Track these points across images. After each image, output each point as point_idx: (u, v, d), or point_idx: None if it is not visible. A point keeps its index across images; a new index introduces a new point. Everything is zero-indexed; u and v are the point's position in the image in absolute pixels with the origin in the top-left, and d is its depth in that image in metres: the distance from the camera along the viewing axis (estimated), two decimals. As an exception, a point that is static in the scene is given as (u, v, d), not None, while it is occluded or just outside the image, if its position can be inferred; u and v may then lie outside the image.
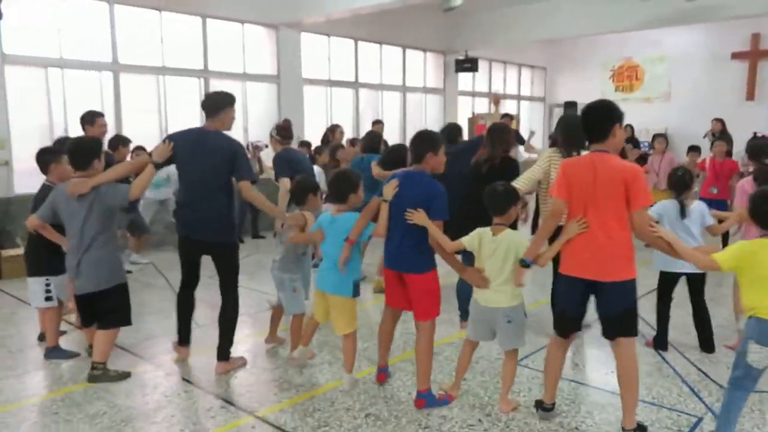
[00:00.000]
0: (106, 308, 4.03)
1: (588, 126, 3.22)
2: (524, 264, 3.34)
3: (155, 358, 4.45)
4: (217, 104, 4.06)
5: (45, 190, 4.32)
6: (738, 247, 2.99)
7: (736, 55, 13.65)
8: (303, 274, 4.41)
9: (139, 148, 7.05)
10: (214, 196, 3.98)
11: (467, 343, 3.70)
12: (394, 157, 5.48)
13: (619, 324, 3.19)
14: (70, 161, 4.03)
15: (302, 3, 9.71)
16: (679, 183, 4.46)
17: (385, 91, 12.44)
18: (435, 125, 13.07)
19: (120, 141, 6.76)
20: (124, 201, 3.95)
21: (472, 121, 14.00)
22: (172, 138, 4.06)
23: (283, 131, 5.79)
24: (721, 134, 10.46)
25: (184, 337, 4.39)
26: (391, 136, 11.70)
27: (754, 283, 2.92)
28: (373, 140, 6.62)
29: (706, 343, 4.51)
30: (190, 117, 9.01)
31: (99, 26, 8.18)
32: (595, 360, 4.34)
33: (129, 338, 4.82)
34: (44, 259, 4.34)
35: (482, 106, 14.92)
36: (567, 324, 3.35)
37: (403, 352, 4.51)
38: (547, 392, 3.48)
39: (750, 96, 13.54)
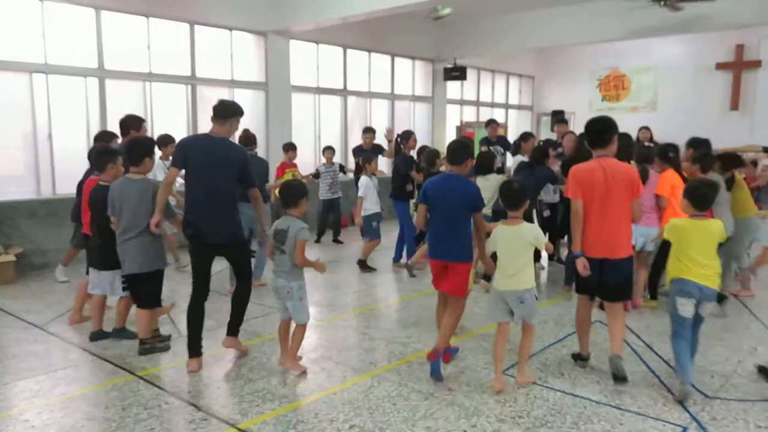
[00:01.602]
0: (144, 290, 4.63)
1: (593, 136, 4.08)
2: (577, 256, 4.04)
3: (135, 370, 4.37)
4: (229, 111, 4.34)
5: (103, 190, 4.68)
6: (673, 224, 4.04)
7: (720, 66, 13.80)
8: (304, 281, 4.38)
9: None
10: (224, 201, 4.26)
11: (500, 329, 4.07)
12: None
13: (620, 291, 4.09)
14: (124, 158, 4.64)
15: (291, 10, 9.70)
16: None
17: (373, 98, 12.44)
18: (423, 133, 13.08)
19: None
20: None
21: (460, 129, 14.04)
22: (184, 144, 4.35)
23: (245, 140, 6.49)
24: (650, 142, 10.62)
25: (195, 349, 4.36)
26: (379, 143, 11.66)
27: (678, 253, 3.92)
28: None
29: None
30: (178, 124, 9.02)
31: (85, 32, 8.11)
32: (583, 369, 4.32)
33: (109, 349, 4.75)
34: (114, 254, 4.64)
35: (470, 114, 14.95)
36: (588, 288, 4.18)
37: (388, 363, 4.47)
38: (582, 347, 4.31)
39: (734, 106, 13.67)
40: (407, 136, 7.82)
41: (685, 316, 3.82)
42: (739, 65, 13.61)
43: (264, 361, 4.53)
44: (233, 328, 4.54)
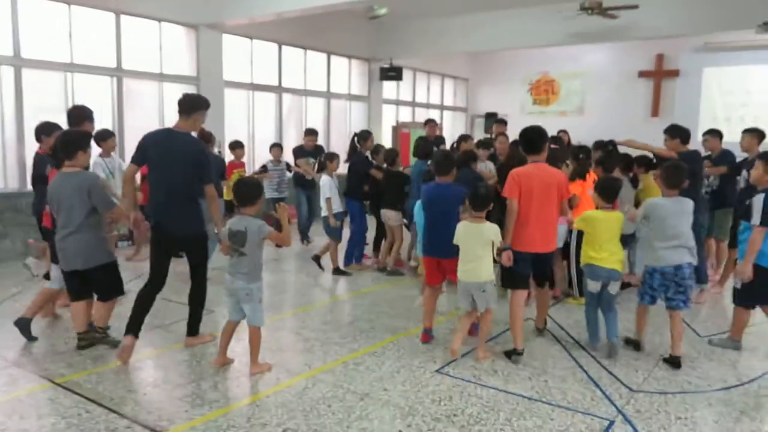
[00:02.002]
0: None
1: (528, 144, 4.57)
2: (504, 249, 4.46)
3: (54, 377, 4.11)
4: (194, 105, 4.37)
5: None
6: (585, 216, 4.70)
7: (642, 74, 14.49)
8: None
9: None
10: (184, 196, 4.28)
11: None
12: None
13: (549, 276, 5.06)
14: (60, 151, 4.39)
15: (224, 4, 9.42)
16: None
17: (309, 96, 12.30)
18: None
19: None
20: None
21: (396, 129, 14.10)
22: (145, 140, 4.33)
23: (201, 137, 6.16)
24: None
25: (132, 328, 4.33)
26: (321, 144, 11.54)
27: (589, 240, 4.63)
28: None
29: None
30: (102, 118, 8.57)
31: (-1, 17, 7.60)
32: (515, 366, 4.39)
33: (24, 355, 4.46)
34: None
35: (406, 114, 15.05)
36: (526, 283, 4.68)
37: (323, 364, 4.40)
38: (518, 341, 4.52)
39: (654, 113, 14.38)
40: (365, 136, 7.78)
41: (593, 292, 4.67)
42: (659, 74, 14.33)
43: (193, 364, 4.36)
44: (192, 329, 4.64)
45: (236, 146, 8.65)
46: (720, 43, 13.23)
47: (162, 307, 5.27)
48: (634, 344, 4.78)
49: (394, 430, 3.42)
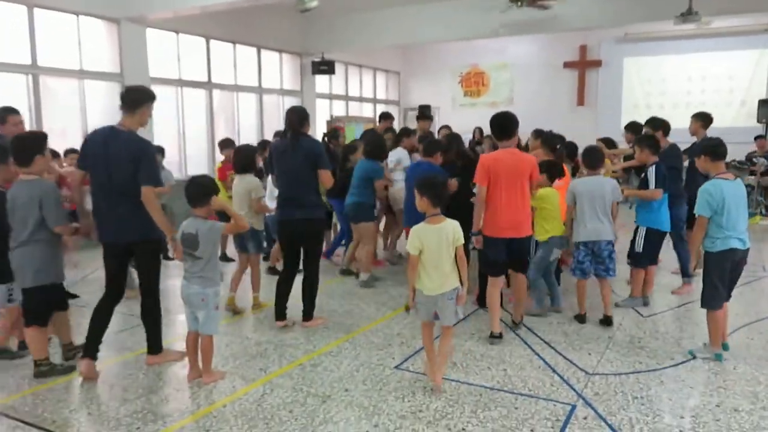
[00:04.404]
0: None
1: (499, 129, 4.58)
2: (474, 234, 4.56)
3: (-15, 401, 3.77)
4: (138, 99, 4.02)
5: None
6: (539, 194, 5.07)
7: (567, 65, 14.99)
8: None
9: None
10: (125, 199, 3.93)
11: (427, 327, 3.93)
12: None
13: (526, 263, 4.88)
14: (13, 158, 3.99)
15: (146, -4, 8.98)
16: None
17: (240, 92, 11.95)
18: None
19: None
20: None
21: (331, 123, 13.94)
22: (85, 140, 4.10)
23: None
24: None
25: (89, 349, 4.04)
26: (249, 138, 11.26)
27: (546, 216, 5.13)
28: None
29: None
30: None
31: None
32: (473, 357, 4.40)
33: (-52, 379, 4.07)
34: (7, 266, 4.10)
35: (340, 108, 14.91)
36: (500, 270, 4.69)
37: (279, 368, 4.25)
38: (495, 325, 4.65)
39: (580, 102, 14.93)
40: (336, 135, 7.72)
41: (553, 261, 5.31)
42: (583, 64, 14.87)
43: (140, 377, 4.11)
44: (152, 347, 4.29)
45: (226, 145, 7.76)
46: (639, 34, 13.87)
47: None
48: (579, 318, 5.18)
49: (361, 431, 3.34)
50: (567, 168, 5.94)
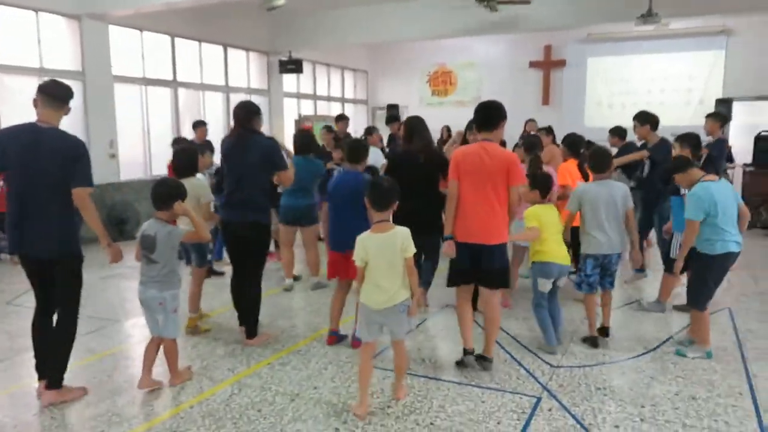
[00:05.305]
0: None
1: (482, 119, 3.97)
2: (446, 239, 3.96)
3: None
4: (69, 94, 3.66)
5: None
6: (532, 212, 4.40)
7: (533, 64, 15.19)
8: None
9: None
10: (50, 206, 3.51)
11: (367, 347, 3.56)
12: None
13: (496, 277, 3.99)
14: None
15: (108, -7, 8.82)
16: None
17: (206, 91, 11.81)
18: (262, 127, 12.67)
19: None
20: None
21: (299, 122, 13.87)
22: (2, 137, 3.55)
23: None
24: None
25: (39, 370, 3.73)
26: (216, 137, 11.11)
27: (539, 237, 4.33)
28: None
29: None
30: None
31: None
32: (440, 352, 4.45)
33: None
34: None
35: (308, 107, 14.85)
36: (463, 278, 4.05)
37: (247, 368, 4.24)
38: (466, 340, 4.11)
39: (545, 101, 15.15)
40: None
41: (545, 292, 4.42)
42: (548, 64, 15.09)
43: (104, 379, 4.04)
44: (52, 379, 3.66)
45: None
46: (602, 34, 14.13)
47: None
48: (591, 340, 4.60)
49: (330, 429, 3.35)
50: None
